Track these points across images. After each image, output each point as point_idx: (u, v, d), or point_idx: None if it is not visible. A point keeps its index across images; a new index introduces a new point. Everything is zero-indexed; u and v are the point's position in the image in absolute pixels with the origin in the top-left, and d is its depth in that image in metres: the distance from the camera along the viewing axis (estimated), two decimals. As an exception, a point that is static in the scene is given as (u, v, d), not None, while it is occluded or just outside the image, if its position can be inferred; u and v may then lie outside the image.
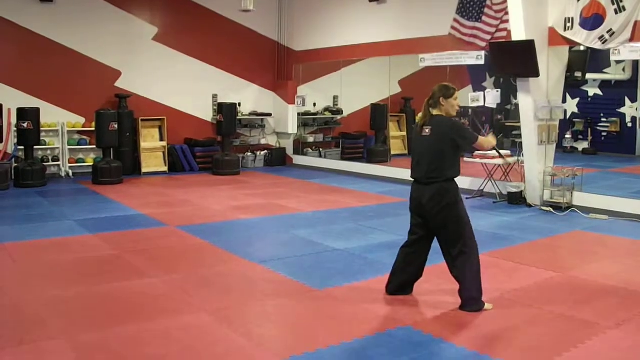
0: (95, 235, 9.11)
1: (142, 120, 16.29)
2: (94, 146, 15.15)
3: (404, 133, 20.64)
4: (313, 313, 6.01)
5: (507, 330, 5.57)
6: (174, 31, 16.97)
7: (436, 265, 7.58)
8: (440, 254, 6.05)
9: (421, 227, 6.17)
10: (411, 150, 6.29)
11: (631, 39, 10.38)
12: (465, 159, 13.28)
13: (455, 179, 6.04)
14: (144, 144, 16.35)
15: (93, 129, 14.94)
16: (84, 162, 15.61)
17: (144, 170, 16.22)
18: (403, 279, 6.36)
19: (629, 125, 20.60)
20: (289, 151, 19.06)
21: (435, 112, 6.04)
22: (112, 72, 16.05)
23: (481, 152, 12.83)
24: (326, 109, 19.74)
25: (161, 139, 16.76)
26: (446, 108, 6.00)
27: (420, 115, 6.26)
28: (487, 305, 6.02)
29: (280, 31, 18.77)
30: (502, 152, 12.56)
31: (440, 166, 5.91)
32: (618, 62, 18.69)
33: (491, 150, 6.58)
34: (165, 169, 16.64)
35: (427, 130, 6.01)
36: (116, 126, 14.63)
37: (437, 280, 6.94)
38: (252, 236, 9.39)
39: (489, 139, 6.46)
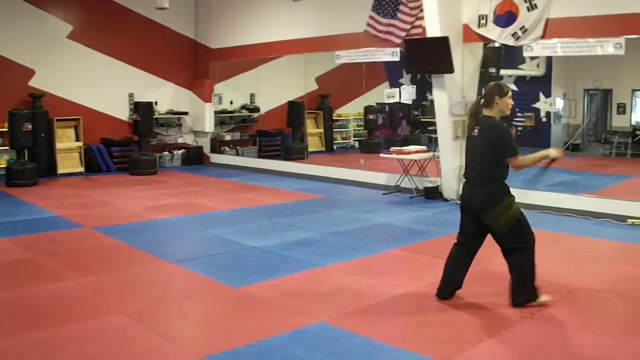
0: (8, 239, 8.90)
1: (57, 120, 15.96)
2: (7, 147, 14.75)
3: (321, 130, 20.85)
4: (230, 311, 6.06)
5: (423, 323, 5.72)
6: (89, 29, 16.68)
7: (353, 261, 7.70)
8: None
9: (472, 227, 6.14)
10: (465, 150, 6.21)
11: (543, 36, 10.75)
12: (381, 154, 13.47)
13: (505, 180, 6.00)
14: (59, 145, 16.04)
15: (6, 129, 14.49)
16: (-4, 164, 15.23)
17: (59, 171, 15.92)
18: (454, 280, 6.27)
19: (544, 119, 21.26)
20: (206, 150, 19.01)
21: (487, 112, 5.99)
22: (26, 71, 15.66)
23: (397, 148, 13.02)
24: (243, 107, 19.83)
25: (77, 139, 16.48)
26: (501, 107, 5.96)
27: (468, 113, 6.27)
28: (543, 297, 6.10)
29: (197, 28, 18.69)
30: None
31: (489, 167, 5.89)
32: (532, 58, 19.23)
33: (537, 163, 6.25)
34: (82, 169, 16.37)
35: (476, 131, 6.01)
36: (30, 126, 14.28)
37: (351, 277, 7.08)
38: (168, 236, 9.38)
39: (534, 156, 6.01)
